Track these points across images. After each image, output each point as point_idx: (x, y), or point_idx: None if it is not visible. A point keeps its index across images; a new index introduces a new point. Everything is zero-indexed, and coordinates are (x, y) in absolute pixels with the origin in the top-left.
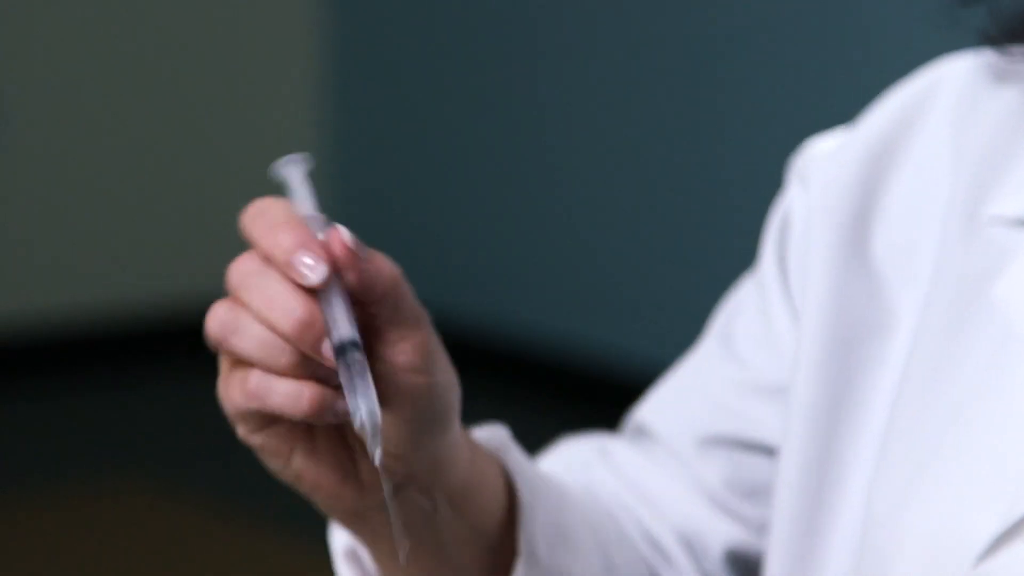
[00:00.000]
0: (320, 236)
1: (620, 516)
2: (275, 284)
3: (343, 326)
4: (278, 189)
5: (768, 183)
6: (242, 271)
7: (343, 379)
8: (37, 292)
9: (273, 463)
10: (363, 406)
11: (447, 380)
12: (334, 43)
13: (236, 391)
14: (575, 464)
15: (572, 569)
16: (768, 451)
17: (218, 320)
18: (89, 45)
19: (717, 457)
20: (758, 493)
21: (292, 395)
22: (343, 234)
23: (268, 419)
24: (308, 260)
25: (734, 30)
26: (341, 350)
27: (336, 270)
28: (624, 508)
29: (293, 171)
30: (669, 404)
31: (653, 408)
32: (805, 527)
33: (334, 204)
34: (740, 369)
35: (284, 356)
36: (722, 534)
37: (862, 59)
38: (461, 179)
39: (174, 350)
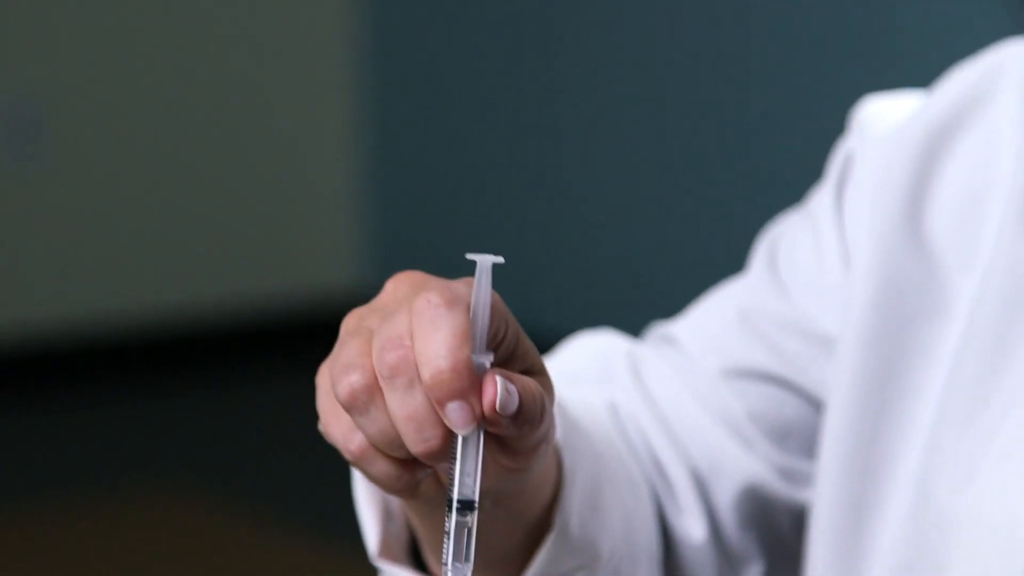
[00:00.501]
0: (481, 360)
1: (634, 440)
2: (421, 402)
3: (468, 484)
4: (313, 182)
5: (782, 188)
6: (391, 363)
7: (448, 529)
8: (68, 300)
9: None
10: (453, 574)
11: (548, 451)
12: (367, 53)
13: (338, 435)
14: (598, 366)
15: (598, 540)
16: (800, 394)
17: (351, 391)
18: (124, 56)
19: (746, 388)
20: (783, 435)
21: (392, 476)
22: (498, 388)
23: None
24: (462, 412)
25: (748, 39)
26: (459, 506)
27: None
28: (640, 431)
29: (485, 269)
30: (704, 326)
31: (687, 326)
32: (852, 507)
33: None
34: (788, 306)
35: (399, 453)
36: (741, 467)
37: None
38: (477, 182)
39: (208, 357)
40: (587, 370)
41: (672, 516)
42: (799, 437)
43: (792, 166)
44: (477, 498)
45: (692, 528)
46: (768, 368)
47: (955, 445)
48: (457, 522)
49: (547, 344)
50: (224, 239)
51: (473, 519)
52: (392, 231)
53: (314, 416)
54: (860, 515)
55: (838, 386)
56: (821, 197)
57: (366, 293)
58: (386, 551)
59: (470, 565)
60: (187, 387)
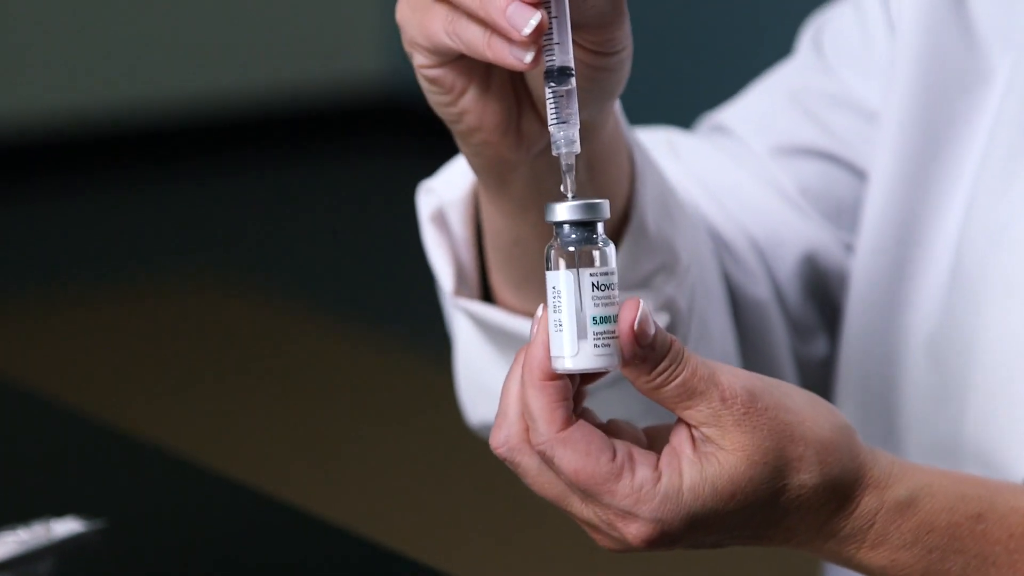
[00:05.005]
0: None
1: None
2: None
3: (563, 51)
4: None
5: None
6: None
7: (551, 102)
8: (96, 85)
9: (441, 99)
10: (563, 135)
11: (627, 55)
12: None
13: (437, 24)
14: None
15: (674, 241)
16: (850, 169)
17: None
18: None
19: (797, 166)
20: (836, 212)
21: (501, 52)
22: None
23: (451, 54)
24: None
25: None
26: (559, 74)
27: None
28: (690, 204)
29: None
30: (754, 108)
31: (736, 111)
32: (890, 280)
33: None
34: (835, 83)
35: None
36: (800, 235)
37: None
38: None
39: (241, 143)
40: None
41: (737, 275)
42: (850, 212)
43: None
44: (572, 64)
45: (758, 289)
46: (818, 144)
47: (988, 213)
48: (556, 88)
49: None
50: (252, 24)
51: (572, 84)
52: None
53: (350, 201)
54: (898, 287)
55: (880, 157)
56: None
57: (395, 80)
58: (459, 290)
59: (575, 126)
60: (219, 174)
